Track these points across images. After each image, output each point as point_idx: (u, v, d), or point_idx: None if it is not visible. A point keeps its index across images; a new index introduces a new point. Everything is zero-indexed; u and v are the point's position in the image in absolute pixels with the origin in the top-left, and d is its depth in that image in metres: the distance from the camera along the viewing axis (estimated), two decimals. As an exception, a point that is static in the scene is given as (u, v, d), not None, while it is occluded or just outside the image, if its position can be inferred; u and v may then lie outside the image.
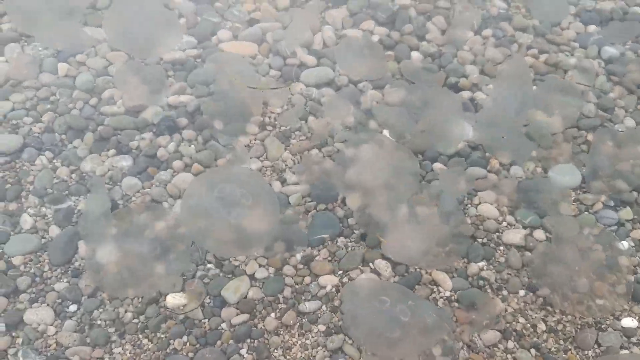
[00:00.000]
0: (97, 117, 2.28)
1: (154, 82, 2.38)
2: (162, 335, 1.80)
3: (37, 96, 2.33)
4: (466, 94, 2.45)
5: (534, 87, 2.42)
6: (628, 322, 1.88)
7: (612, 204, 2.15)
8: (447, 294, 1.90)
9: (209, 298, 1.87)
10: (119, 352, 1.77)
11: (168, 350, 1.77)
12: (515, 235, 2.03)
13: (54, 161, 2.18)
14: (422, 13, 2.73)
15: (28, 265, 1.92)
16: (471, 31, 2.68)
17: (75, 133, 2.24)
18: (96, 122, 2.28)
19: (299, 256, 1.96)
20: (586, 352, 1.82)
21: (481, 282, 1.93)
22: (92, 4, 2.62)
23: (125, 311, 1.84)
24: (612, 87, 2.50)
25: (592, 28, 2.71)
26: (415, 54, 2.58)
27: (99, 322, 1.82)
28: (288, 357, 1.78)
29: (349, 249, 2.00)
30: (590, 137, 2.35)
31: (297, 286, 1.91)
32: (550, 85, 2.44)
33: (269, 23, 2.63)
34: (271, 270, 1.94)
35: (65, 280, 1.90)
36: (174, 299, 1.84)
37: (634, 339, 1.85)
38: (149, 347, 1.78)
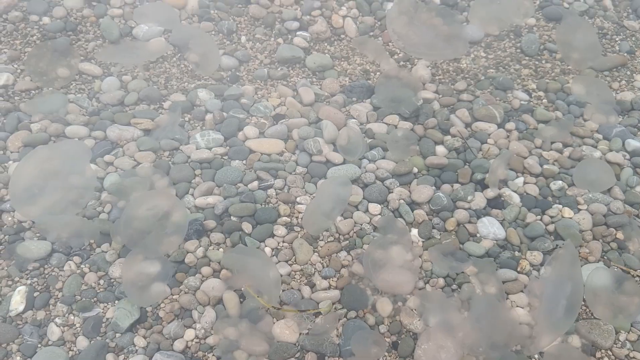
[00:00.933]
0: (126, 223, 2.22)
1: (182, 183, 2.34)
2: None
3: (67, 198, 2.27)
4: (491, 192, 2.38)
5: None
6: None
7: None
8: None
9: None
10: None
11: None
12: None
13: (82, 266, 2.12)
14: (445, 106, 2.70)
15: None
16: (494, 124, 2.63)
17: (103, 237, 2.18)
18: (124, 225, 2.22)
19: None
20: None
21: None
22: (120, 101, 2.60)
23: None
24: (638, 181, 2.43)
25: (613, 119, 2.66)
26: (439, 148, 2.54)
27: None
28: None
29: (381, 359, 1.92)
30: (619, 234, 2.27)
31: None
32: (576, 179, 2.39)
33: (294, 119, 2.59)
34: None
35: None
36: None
37: None
38: None
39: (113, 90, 2.66)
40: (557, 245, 2.22)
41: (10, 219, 2.21)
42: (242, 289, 2.05)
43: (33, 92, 2.65)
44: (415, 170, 2.48)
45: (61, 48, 2.77)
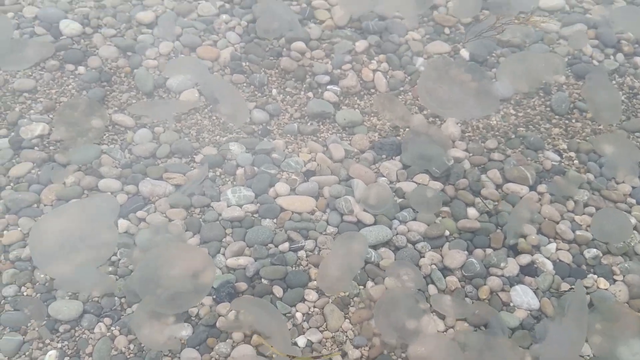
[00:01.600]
0: (155, 277, 2.17)
1: (213, 242, 2.30)
2: None
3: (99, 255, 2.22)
4: (525, 258, 2.31)
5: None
6: None
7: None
8: None
9: None
10: None
11: None
12: None
13: (112, 328, 2.06)
14: (476, 165, 2.64)
15: None
16: (526, 186, 2.57)
17: (135, 297, 2.13)
18: (156, 284, 2.17)
19: None
20: None
21: None
22: (152, 153, 2.56)
23: None
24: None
25: (646, 182, 2.60)
26: (471, 211, 2.47)
27: None
28: None
29: None
30: (657, 307, 2.19)
31: None
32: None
33: (325, 176, 2.54)
34: None
35: None
36: None
37: None
38: None
39: (145, 142, 2.62)
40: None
41: (42, 276, 2.16)
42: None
43: (67, 142, 2.59)
44: (447, 233, 2.40)
45: (96, 98, 2.74)
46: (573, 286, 2.23)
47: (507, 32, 3.12)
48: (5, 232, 2.29)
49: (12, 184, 2.45)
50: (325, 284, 2.15)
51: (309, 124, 2.78)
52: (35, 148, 2.58)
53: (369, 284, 2.24)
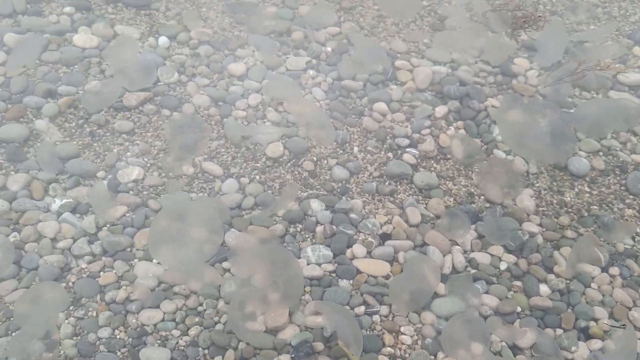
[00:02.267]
0: (238, 332, 2.26)
1: (293, 300, 2.37)
2: None
3: (186, 305, 2.33)
4: (596, 344, 2.32)
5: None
6: None
7: None
8: None
9: None
10: None
11: None
12: None
13: (196, 379, 2.16)
14: (549, 241, 2.65)
15: None
16: (598, 267, 2.57)
17: (218, 349, 2.23)
18: (237, 338, 2.25)
19: None
20: None
21: None
22: (238, 204, 2.65)
23: None
24: None
25: None
26: (543, 287, 2.49)
27: None
28: None
29: None
30: None
31: None
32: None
33: (400, 241, 2.60)
34: None
35: None
36: None
37: None
38: None
39: (232, 192, 2.72)
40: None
41: (134, 321, 2.27)
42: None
43: (160, 187, 2.72)
44: (519, 309, 2.43)
45: (188, 145, 2.86)
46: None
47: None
48: (102, 273, 2.40)
49: (108, 226, 2.56)
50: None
51: (387, 183, 2.85)
52: (131, 192, 2.70)
53: (440, 355, 2.28)
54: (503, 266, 2.57)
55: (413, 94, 3.19)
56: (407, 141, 2.99)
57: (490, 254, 2.63)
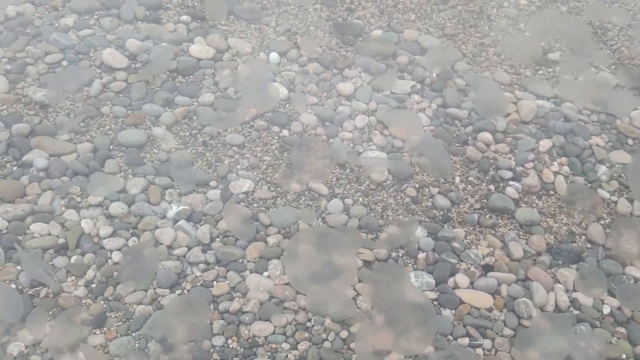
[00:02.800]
0: (345, 353, 2.29)
1: (400, 326, 2.38)
2: None
3: (296, 320, 2.38)
4: None
5: None
6: None
7: None
8: None
9: None
10: None
11: None
12: None
13: (305, 393, 2.20)
14: (653, 287, 2.60)
15: None
16: None
17: (334, 367, 2.26)
18: (344, 357, 2.29)
19: None
20: None
21: None
22: (343, 225, 2.69)
23: None
24: None
25: None
26: (649, 338, 2.44)
27: None
28: None
29: None
30: None
31: None
32: None
33: (503, 274, 2.59)
34: None
35: None
36: None
37: None
38: None
39: (337, 213, 2.76)
40: None
41: (246, 332, 2.33)
42: None
43: (269, 201, 2.78)
44: (624, 356, 2.38)
45: (295, 162, 2.91)
46: None
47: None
48: (215, 282, 2.47)
49: (220, 237, 2.63)
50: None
51: (487, 216, 2.83)
52: (242, 204, 2.76)
53: (543, 398, 2.25)
54: (606, 310, 2.52)
55: (517, 125, 3.16)
56: (510, 174, 2.97)
57: (592, 298, 2.58)
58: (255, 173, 2.90)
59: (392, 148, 3.04)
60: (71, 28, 3.35)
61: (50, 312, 2.34)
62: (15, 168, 2.76)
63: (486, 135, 3.09)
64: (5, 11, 3.28)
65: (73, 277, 2.44)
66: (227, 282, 2.49)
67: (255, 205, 2.78)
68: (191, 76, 3.22)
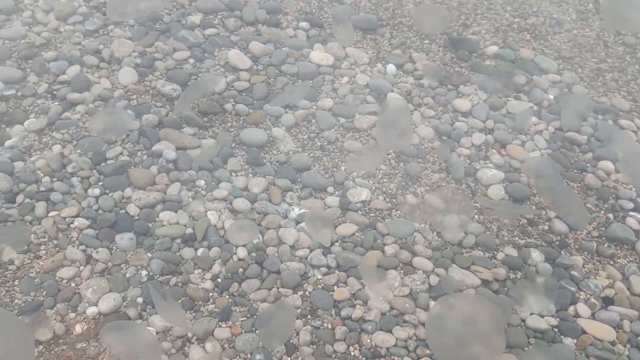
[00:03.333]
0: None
1: (517, 348, 2.32)
2: None
3: (416, 335, 2.34)
4: None
5: None
6: None
7: None
8: None
9: None
10: None
11: None
12: None
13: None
14: None
15: None
16: None
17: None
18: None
19: None
20: None
21: None
22: (459, 242, 2.65)
23: None
24: None
25: None
26: None
27: None
28: None
29: None
30: None
31: None
32: None
33: (624, 308, 2.49)
34: None
35: None
36: None
37: None
38: None
39: (454, 229, 2.70)
40: None
41: (368, 341, 2.30)
42: None
43: (385, 212, 2.75)
44: None
45: (411, 173, 2.88)
46: None
47: None
48: (335, 287, 2.46)
49: (339, 242, 2.62)
50: None
51: (606, 245, 2.74)
52: (359, 212, 2.74)
53: None
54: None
55: (639, 156, 3.05)
56: (631, 204, 2.87)
57: None
58: (371, 182, 2.87)
59: (510, 168, 2.96)
60: (197, 26, 3.39)
61: (179, 301, 2.35)
62: (145, 157, 2.80)
63: (607, 165, 3.00)
64: (137, 6, 3.36)
65: (200, 270, 2.45)
66: (347, 287, 2.47)
67: (372, 214, 2.76)
68: (310, 81, 3.22)
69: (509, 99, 3.29)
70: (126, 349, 2.02)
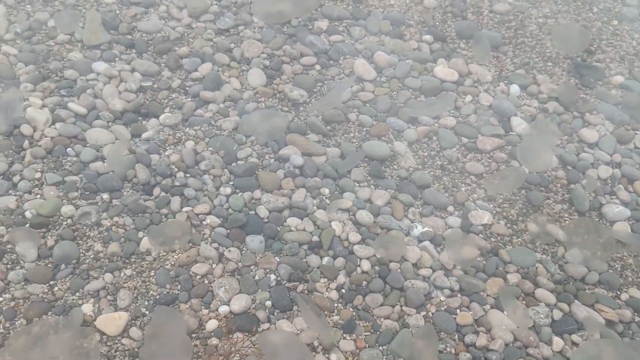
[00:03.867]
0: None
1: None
2: None
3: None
4: None
5: None
6: None
7: None
8: None
9: None
10: None
11: None
12: None
13: None
14: None
15: None
16: None
17: None
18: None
19: None
20: None
21: None
22: (583, 276, 2.55)
23: None
24: None
25: None
26: None
27: None
28: None
29: None
30: None
31: None
32: None
33: None
34: None
35: None
36: None
37: None
38: None
39: (576, 263, 2.62)
40: None
41: (491, 371, 2.25)
42: None
43: (506, 237, 2.68)
44: None
45: (534, 201, 2.80)
46: None
47: None
48: (458, 311, 2.41)
49: (459, 266, 2.57)
50: None
51: None
52: (480, 235, 2.68)
53: None
54: None
55: None
56: None
57: None
58: (491, 205, 2.81)
59: (637, 206, 2.84)
60: (323, 32, 3.38)
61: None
62: (272, 160, 2.81)
63: None
64: (266, 8, 3.38)
65: (325, 279, 2.45)
66: (470, 312, 2.42)
67: (493, 239, 2.69)
68: (433, 97, 3.17)
69: (637, 132, 3.15)
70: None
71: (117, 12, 3.33)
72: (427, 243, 2.62)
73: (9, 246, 2.41)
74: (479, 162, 2.98)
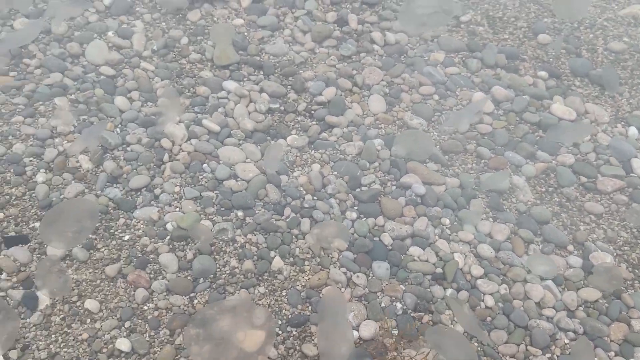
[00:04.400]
0: None
1: None
2: None
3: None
4: None
5: None
6: None
7: None
8: None
9: None
10: None
11: None
12: None
13: None
14: None
15: None
16: None
17: None
18: None
19: None
20: None
21: None
22: None
23: None
24: None
25: None
26: None
27: None
28: None
29: None
30: None
31: None
32: None
33: None
34: None
35: None
36: None
37: None
38: None
39: None
40: None
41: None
42: None
43: (628, 282, 2.60)
44: None
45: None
46: None
47: None
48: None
49: (583, 306, 2.50)
50: None
51: None
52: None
53: None
54: None
55: None
56: None
57: None
58: (612, 247, 2.73)
59: None
60: (439, 63, 3.37)
61: (432, 340, 2.34)
62: (394, 188, 2.81)
63: None
64: (385, 37, 3.39)
65: (450, 311, 2.43)
66: (596, 359, 2.35)
67: (614, 282, 2.61)
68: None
69: None
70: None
71: (246, 34, 3.40)
72: (549, 282, 2.57)
73: (152, 256, 2.47)
74: (599, 202, 2.90)
